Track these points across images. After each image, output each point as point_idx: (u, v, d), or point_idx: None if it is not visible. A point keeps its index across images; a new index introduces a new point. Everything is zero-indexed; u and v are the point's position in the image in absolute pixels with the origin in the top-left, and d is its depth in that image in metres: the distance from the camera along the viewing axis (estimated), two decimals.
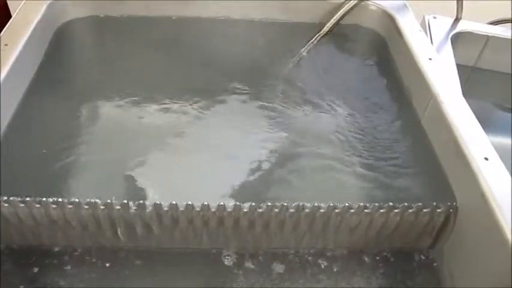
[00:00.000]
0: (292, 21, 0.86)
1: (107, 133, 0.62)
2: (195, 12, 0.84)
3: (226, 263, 0.56)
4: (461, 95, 0.64)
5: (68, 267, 0.55)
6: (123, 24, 0.82)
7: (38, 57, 0.71)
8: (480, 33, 0.93)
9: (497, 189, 0.50)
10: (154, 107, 0.66)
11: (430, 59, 0.70)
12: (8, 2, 1.28)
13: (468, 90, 0.68)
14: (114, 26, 0.82)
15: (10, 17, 0.72)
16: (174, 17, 0.84)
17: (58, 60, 0.73)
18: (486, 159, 0.54)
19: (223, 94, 0.69)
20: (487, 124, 0.61)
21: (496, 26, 0.96)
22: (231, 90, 0.70)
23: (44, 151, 0.57)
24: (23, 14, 0.72)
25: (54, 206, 0.51)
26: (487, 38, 0.93)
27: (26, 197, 0.51)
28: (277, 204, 0.53)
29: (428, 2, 1.00)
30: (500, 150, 0.56)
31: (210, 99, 0.68)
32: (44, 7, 0.75)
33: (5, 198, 0.51)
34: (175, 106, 0.67)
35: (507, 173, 0.53)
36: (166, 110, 0.66)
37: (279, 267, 0.56)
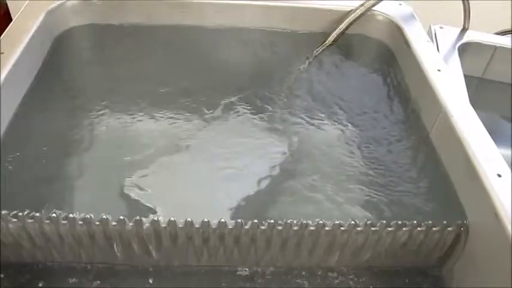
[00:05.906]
0: (297, 30, 0.85)
1: (104, 145, 0.60)
2: (197, 21, 0.83)
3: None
4: (472, 109, 0.62)
5: (64, 285, 0.53)
6: (122, 33, 0.80)
7: (36, 66, 0.70)
8: (488, 43, 0.91)
9: (511, 208, 0.48)
10: (154, 118, 0.64)
11: (439, 70, 0.68)
12: (9, 9, 1.28)
13: (475, 102, 0.66)
14: (114, 34, 0.80)
15: None
16: (176, 26, 0.82)
17: (56, 69, 0.72)
18: (499, 175, 0.52)
19: (225, 105, 0.67)
20: (495, 137, 0.59)
21: (504, 37, 0.94)
22: (233, 102, 0.68)
23: None
24: (21, 22, 0.71)
25: (47, 221, 0.50)
26: (495, 49, 0.91)
27: (19, 212, 0.49)
28: (280, 221, 0.51)
29: (434, 12, 0.99)
30: (509, 164, 0.54)
31: (212, 110, 0.66)
32: (43, 15, 0.73)
33: None
34: (175, 118, 0.65)
35: None
36: (166, 121, 0.64)
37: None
